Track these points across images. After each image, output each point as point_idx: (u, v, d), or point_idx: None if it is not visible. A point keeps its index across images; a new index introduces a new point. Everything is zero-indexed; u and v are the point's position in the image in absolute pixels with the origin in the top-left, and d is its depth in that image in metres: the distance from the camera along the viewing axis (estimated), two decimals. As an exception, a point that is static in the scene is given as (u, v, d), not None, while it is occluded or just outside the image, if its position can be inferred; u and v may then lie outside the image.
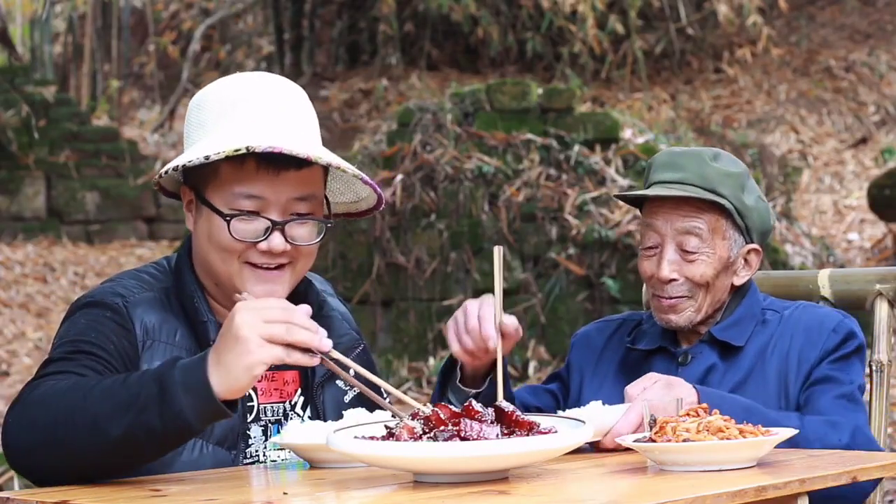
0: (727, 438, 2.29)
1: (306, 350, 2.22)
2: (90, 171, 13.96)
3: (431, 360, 9.06)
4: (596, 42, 13.78)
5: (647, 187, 2.93)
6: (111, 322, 2.52)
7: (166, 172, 2.53)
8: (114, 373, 2.46)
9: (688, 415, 2.39)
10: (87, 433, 2.25)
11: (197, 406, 2.20)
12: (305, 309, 2.24)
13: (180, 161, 2.50)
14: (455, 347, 2.67)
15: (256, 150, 2.45)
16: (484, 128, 9.48)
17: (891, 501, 6.13)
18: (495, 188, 9.37)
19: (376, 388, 2.79)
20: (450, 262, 9.30)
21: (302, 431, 2.48)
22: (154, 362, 2.50)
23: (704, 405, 2.48)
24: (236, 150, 2.44)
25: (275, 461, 2.64)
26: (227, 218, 2.51)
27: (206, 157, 2.45)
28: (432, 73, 14.72)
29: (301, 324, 2.20)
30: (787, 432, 2.38)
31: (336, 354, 2.28)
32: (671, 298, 2.89)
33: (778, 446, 2.38)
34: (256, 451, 2.63)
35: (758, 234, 2.94)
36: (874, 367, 3.06)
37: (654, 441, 2.33)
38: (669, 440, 2.31)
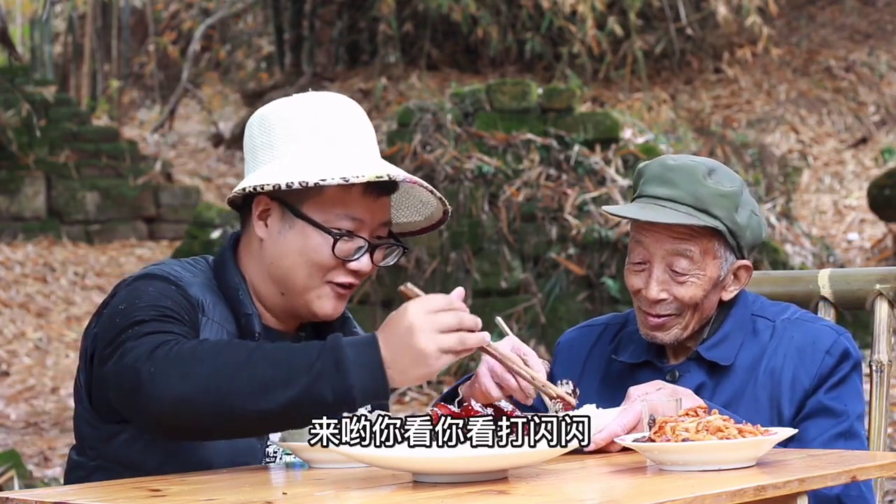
0: (726, 438, 2.29)
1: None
2: (90, 171, 13.96)
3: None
4: (595, 42, 13.79)
5: (636, 198, 2.86)
6: (178, 294, 2.56)
7: (288, 185, 2.54)
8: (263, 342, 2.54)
9: (687, 414, 2.39)
10: (254, 393, 2.31)
11: (367, 386, 2.30)
12: (459, 293, 2.34)
13: (311, 178, 2.53)
14: (497, 394, 2.65)
15: (396, 180, 2.56)
16: (484, 128, 9.49)
17: (891, 501, 6.13)
18: (495, 188, 9.38)
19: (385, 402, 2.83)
20: (450, 262, 9.30)
21: (302, 432, 2.48)
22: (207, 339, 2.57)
23: (703, 405, 2.47)
24: (378, 177, 2.53)
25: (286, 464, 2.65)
26: (336, 236, 2.58)
27: (345, 179, 2.52)
28: (432, 73, 14.73)
29: (470, 327, 2.30)
30: (787, 432, 2.38)
31: (493, 346, 2.40)
32: (659, 317, 2.82)
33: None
34: (275, 452, 2.66)
35: (749, 250, 2.87)
36: (874, 367, 3.06)
37: (653, 441, 2.33)
38: (668, 440, 2.31)
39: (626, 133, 9.47)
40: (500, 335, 2.72)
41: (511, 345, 2.67)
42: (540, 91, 9.58)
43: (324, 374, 2.29)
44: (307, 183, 2.53)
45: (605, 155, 9.33)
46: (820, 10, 16.22)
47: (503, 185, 9.35)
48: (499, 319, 2.79)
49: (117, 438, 2.53)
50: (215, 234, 10.14)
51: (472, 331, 2.31)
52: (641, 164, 2.91)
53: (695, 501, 2.05)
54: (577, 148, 9.32)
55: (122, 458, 2.51)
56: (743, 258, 2.87)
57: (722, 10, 13.99)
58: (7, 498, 2.18)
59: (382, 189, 2.61)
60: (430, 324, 2.28)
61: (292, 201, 2.60)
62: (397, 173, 2.57)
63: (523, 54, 14.52)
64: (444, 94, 11.18)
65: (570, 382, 2.58)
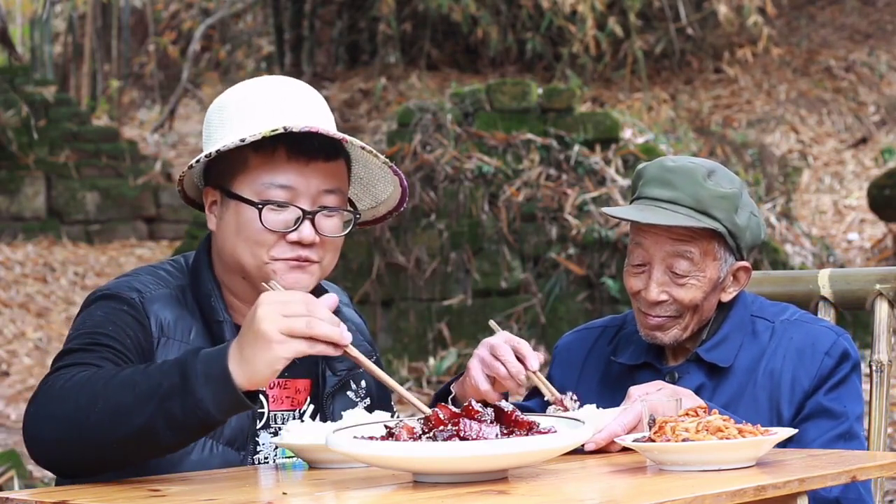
0: (726, 438, 2.29)
1: (329, 342, 2.20)
2: (90, 171, 13.97)
3: (431, 360, 9.06)
4: (595, 42, 13.78)
5: (635, 199, 2.86)
6: (128, 316, 2.52)
7: (197, 162, 2.53)
8: (131, 365, 2.46)
9: (687, 414, 2.39)
10: (108, 423, 2.25)
11: (217, 396, 2.20)
12: (329, 301, 2.23)
13: (212, 148, 2.51)
14: (486, 387, 2.65)
15: (293, 130, 2.47)
16: (484, 128, 9.49)
17: (891, 501, 6.13)
18: (495, 188, 9.38)
19: (386, 395, 2.80)
20: (450, 262, 9.30)
21: (302, 432, 2.48)
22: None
23: (704, 405, 2.47)
24: (273, 130, 2.46)
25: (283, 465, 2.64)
26: (259, 206, 2.51)
27: (242, 140, 2.47)
28: (432, 73, 14.73)
29: (322, 317, 2.18)
30: (787, 432, 2.38)
31: (355, 352, 2.27)
32: (658, 318, 2.83)
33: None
34: (266, 457, 2.63)
35: (748, 251, 2.88)
36: (874, 367, 3.06)
37: (653, 441, 2.33)
38: (668, 440, 2.31)
39: (626, 133, 9.47)
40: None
41: (504, 337, 2.67)
42: (540, 91, 9.57)
43: (172, 393, 2.21)
44: (211, 154, 2.50)
45: (605, 155, 9.34)
46: (820, 10, 16.22)
47: (503, 185, 9.35)
48: (492, 322, 2.80)
49: None
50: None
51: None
52: (640, 166, 2.91)
53: (695, 501, 2.05)
54: (577, 148, 9.32)
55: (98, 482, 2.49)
56: (742, 259, 2.87)
57: (723, 10, 13.99)
58: (7, 498, 2.18)
59: (313, 153, 2.53)
60: (276, 307, 2.16)
61: (225, 184, 2.56)
62: (296, 124, 2.48)
63: (523, 54, 14.52)
64: (444, 94, 11.19)
65: (573, 395, 2.59)
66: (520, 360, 2.65)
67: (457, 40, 14.94)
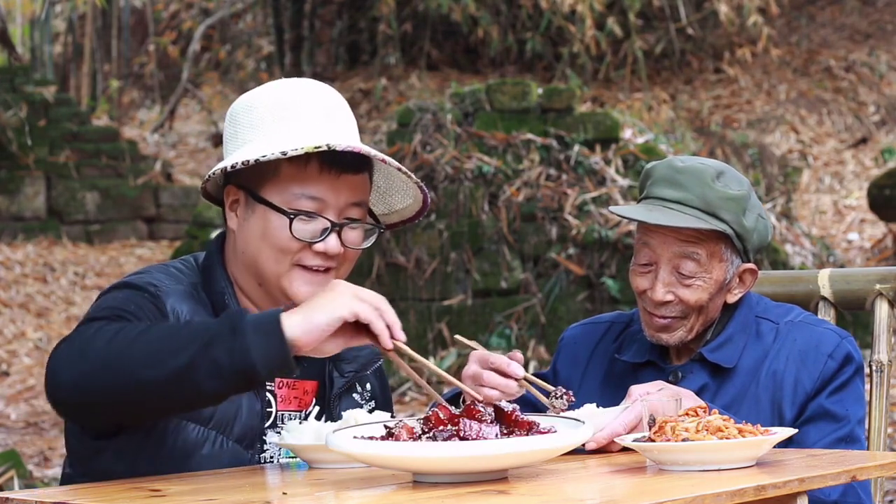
0: (726, 438, 2.29)
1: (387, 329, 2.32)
2: (90, 171, 13.96)
3: (431, 360, 9.06)
4: (595, 42, 13.78)
5: (643, 198, 2.86)
6: (148, 303, 2.53)
7: (233, 167, 2.52)
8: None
9: (687, 414, 2.39)
10: (142, 363, 2.27)
11: (265, 347, 2.25)
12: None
13: (252, 156, 2.50)
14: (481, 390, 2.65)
15: (336, 149, 2.49)
16: (484, 128, 9.49)
17: (891, 501, 6.13)
18: (495, 188, 9.38)
19: (389, 398, 2.82)
20: (450, 262, 9.30)
21: (301, 432, 2.49)
22: None
23: (704, 405, 2.47)
24: (317, 147, 2.47)
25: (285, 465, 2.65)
26: (291, 216, 2.54)
27: (284, 153, 2.48)
28: (432, 73, 14.73)
29: (390, 321, 2.31)
30: (787, 432, 2.38)
31: (408, 350, 2.38)
32: (664, 318, 2.83)
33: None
34: (272, 456, 2.64)
35: (754, 253, 2.88)
36: (874, 367, 3.06)
37: (653, 441, 2.33)
38: (668, 440, 2.31)
39: (626, 133, 9.47)
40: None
41: (478, 360, 2.67)
42: (540, 91, 9.57)
43: (217, 338, 2.26)
44: (249, 161, 2.50)
45: (605, 155, 9.33)
46: (820, 10, 16.22)
47: (503, 185, 9.35)
48: (459, 337, 2.79)
49: (103, 454, 2.51)
50: (215, 235, 10.15)
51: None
52: (649, 165, 2.91)
53: (695, 501, 2.05)
54: (577, 148, 9.32)
55: (109, 474, 2.47)
56: (749, 261, 2.87)
57: (723, 10, 13.99)
58: (7, 498, 2.18)
59: (344, 167, 2.55)
60: (354, 289, 2.30)
61: (252, 186, 2.57)
62: (338, 143, 2.50)
63: (523, 54, 14.52)
64: (444, 94, 11.19)
65: (564, 394, 2.58)
66: (505, 374, 2.64)
67: (457, 40, 14.94)
